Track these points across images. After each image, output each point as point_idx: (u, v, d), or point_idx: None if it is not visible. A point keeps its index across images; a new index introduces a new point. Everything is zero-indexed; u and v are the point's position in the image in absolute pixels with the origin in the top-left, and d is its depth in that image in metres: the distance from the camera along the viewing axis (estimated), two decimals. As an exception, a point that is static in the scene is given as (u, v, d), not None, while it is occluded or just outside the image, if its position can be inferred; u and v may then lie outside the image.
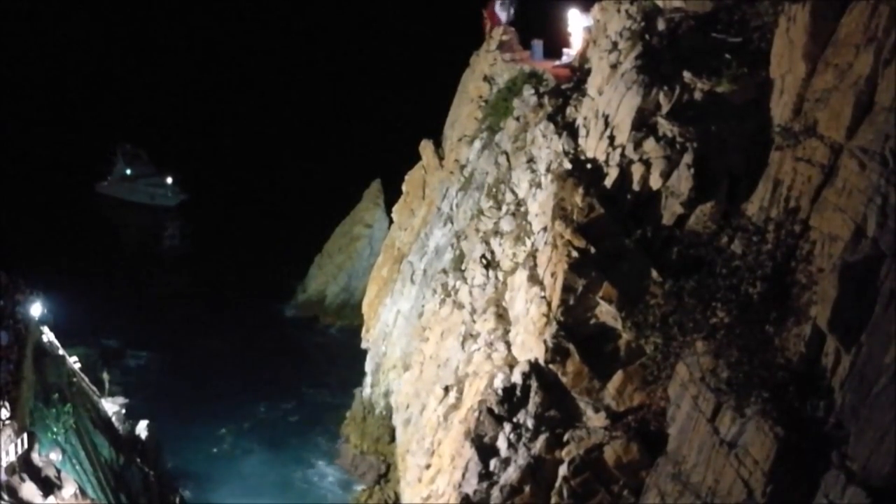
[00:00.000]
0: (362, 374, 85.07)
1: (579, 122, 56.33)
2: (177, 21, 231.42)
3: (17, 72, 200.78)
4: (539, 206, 55.84)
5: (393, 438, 73.95)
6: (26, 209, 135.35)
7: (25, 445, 50.01)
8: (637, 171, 48.09)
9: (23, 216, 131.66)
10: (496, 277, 58.78)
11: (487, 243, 61.32)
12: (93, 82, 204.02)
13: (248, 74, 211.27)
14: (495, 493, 44.40)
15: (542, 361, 46.90)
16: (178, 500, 68.48)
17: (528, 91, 66.58)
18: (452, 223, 71.96)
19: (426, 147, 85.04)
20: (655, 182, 47.13)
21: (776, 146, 37.28)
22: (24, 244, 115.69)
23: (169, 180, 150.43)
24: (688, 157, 46.22)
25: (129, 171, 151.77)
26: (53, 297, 68.60)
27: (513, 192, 61.52)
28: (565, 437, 43.86)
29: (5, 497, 46.25)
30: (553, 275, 48.18)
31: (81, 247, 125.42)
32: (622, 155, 49.27)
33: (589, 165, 51.62)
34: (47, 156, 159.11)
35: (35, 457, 51.10)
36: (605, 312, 45.66)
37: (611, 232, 47.27)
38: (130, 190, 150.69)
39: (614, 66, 53.92)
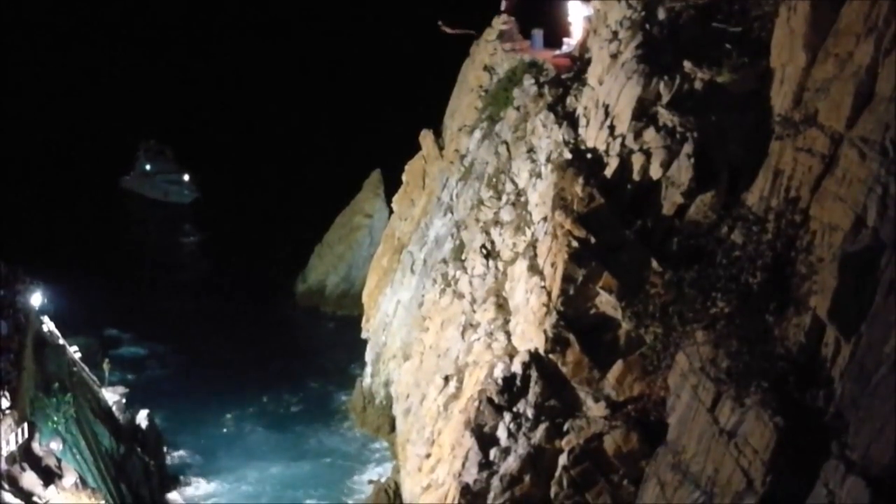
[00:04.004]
0: (362, 363, 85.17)
1: (579, 111, 56.29)
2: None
3: (66, 67, 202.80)
4: (539, 196, 55.85)
5: (393, 428, 74.04)
6: (48, 201, 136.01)
7: (26, 435, 50.24)
8: (637, 161, 48.08)
9: (43, 207, 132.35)
10: (496, 267, 58.80)
11: (487, 233, 61.33)
12: (131, 80, 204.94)
13: (249, 65, 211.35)
14: (495, 482, 44.47)
15: (542, 351, 46.95)
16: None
17: (528, 81, 66.50)
18: (452, 213, 71.96)
19: (426, 137, 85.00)
20: (656, 172, 47.12)
21: (776, 136, 37.23)
22: (36, 235, 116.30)
23: (186, 178, 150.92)
24: (688, 148, 46.19)
25: (148, 167, 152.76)
26: (56, 287, 68.80)
27: (513, 181, 61.51)
28: (565, 427, 43.90)
29: (6, 486, 46.39)
30: (553, 265, 48.20)
31: (92, 239, 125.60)
32: (622, 145, 49.26)
33: (589, 155, 51.60)
34: (80, 150, 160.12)
35: (35, 446, 51.31)
36: (605, 302, 45.68)
37: (611, 222, 47.27)
38: (149, 186, 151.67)
39: (614, 56, 53.86)
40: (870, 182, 28.85)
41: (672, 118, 47.62)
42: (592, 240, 46.77)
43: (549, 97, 61.05)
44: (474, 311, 58.70)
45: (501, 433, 46.78)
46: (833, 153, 32.13)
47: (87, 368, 67.62)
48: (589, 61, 58.52)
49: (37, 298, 62.04)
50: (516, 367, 48.59)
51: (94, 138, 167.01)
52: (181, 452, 77.03)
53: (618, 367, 43.55)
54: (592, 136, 52.67)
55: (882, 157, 28.64)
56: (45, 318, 63.75)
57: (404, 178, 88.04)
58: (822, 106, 33.89)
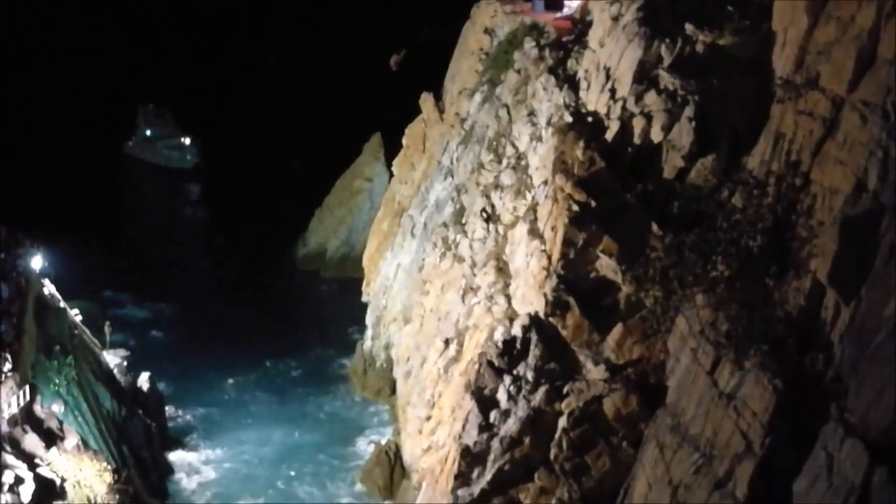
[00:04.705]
0: (363, 327, 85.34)
1: (580, 75, 56.17)
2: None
3: (73, 30, 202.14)
4: (540, 159, 55.78)
5: (394, 391, 74.33)
6: (53, 167, 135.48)
7: (27, 398, 50.43)
8: (638, 124, 48.06)
9: (47, 173, 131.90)
10: (496, 231, 58.82)
11: (488, 197, 61.30)
12: (133, 43, 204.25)
13: (247, 28, 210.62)
14: (495, 444, 44.71)
15: (542, 314, 47.09)
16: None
17: (528, 43, 66.19)
18: (453, 177, 71.87)
19: (426, 100, 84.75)
20: (656, 135, 47.13)
21: (777, 99, 37.13)
22: (39, 200, 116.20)
23: (186, 141, 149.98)
24: (689, 111, 46.19)
25: (149, 133, 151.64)
26: (57, 250, 68.75)
27: (513, 145, 61.40)
28: (565, 390, 44.09)
29: (8, 448, 46.62)
30: (553, 228, 48.25)
31: (95, 203, 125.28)
32: (623, 108, 49.23)
33: (590, 119, 51.54)
34: (87, 116, 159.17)
35: (37, 409, 51.52)
36: (606, 266, 45.77)
37: (611, 186, 47.30)
38: (150, 152, 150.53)
39: (616, 19, 53.68)
40: (871, 146, 28.82)
41: (673, 81, 47.56)
42: (593, 203, 46.81)
43: (549, 60, 60.86)
44: (474, 275, 58.79)
45: (501, 396, 46.99)
46: (834, 117, 32.07)
47: (88, 331, 67.73)
48: (590, 24, 58.33)
49: (38, 262, 62.04)
50: (516, 331, 48.77)
51: (99, 103, 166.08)
52: (182, 415, 77.21)
53: (618, 330, 43.73)
54: (593, 99, 52.58)
55: (883, 120, 28.60)
56: (46, 282, 63.76)
57: (405, 141, 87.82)
58: (824, 69, 33.79)
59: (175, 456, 70.48)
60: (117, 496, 51.38)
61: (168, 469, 68.34)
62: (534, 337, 46.84)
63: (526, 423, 44.06)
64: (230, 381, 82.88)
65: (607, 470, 40.68)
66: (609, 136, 49.36)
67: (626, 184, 47.12)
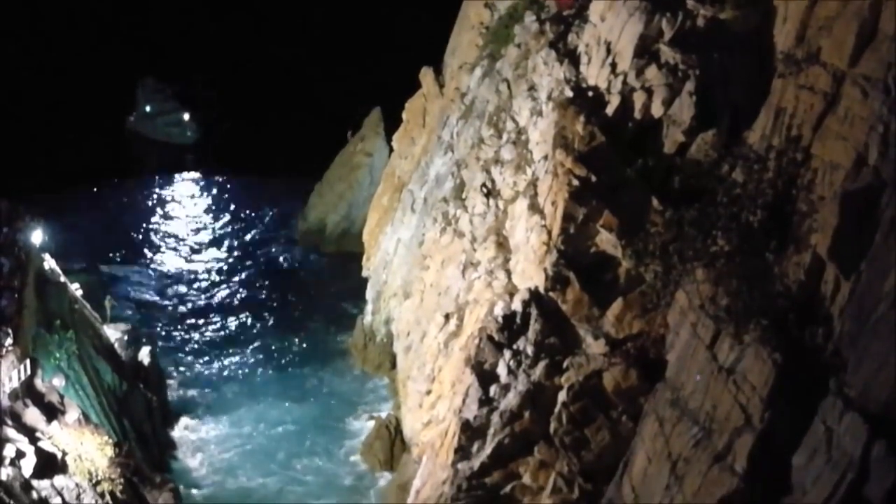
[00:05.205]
0: (363, 302, 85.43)
1: (581, 49, 55.97)
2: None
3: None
4: (540, 134, 55.69)
5: (394, 365, 74.47)
6: (55, 142, 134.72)
7: (28, 372, 50.58)
8: (639, 99, 47.98)
9: (50, 148, 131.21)
10: (497, 206, 58.79)
11: (488, 172, 61.22)
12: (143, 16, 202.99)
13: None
14: (495, 418, 44.84)
15: (542, 289, 47.15)
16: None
17: (529, 18, 65.88)
18: (453, 152, 71.73)
19: (426, 75, 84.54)
20: (657, 110, 47.06)
21: (778, 74, 37.04)
22: (40, 174, 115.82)
23: (186, 116, 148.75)
24: (690, 85, 46.11)
25: (149, 109, 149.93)
26: (58, 224, 68.74)
27: (514, 120, 61.28)
28: (565, 364, 44.19)
29: (9, 422, 46.80)
30: (553, 203, 48.23)
31: (97, 178, 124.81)
32: (624, 83, 49.14)
33: (590, 93, 51.44)
34: (91, 89, 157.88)
35: (38, 383, 51.66)
36: (606, 241, 45.78)
37: (612, 160, 47.25)
38: (151, 127, 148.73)
39: (617, -7, 53.51)
40: (871, 120, 28.81)
41: (674, 56, 47.46)
42: (593, 178, 46.78)
43: (550, 34, 60.63)
44: (475, 250, 58.80)
45: (501, 370, 47.08)
46: (835, 91, 32.02)
47: (88, 306, 67.79)
48: (591, -2, 58.12)
49: (38, 236, 62.01)
50: (516, 305, 48.82)
51: (104, 78, 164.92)
52: (183, 390, 77.36)
53: (617, 304, 43.77)
54: (594, 73, 52.45)
55: (884, 95, 28.57)
56: (47, 256, 63.75)
57: (404, 116, 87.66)
58: (825, 43, 33.70)
59: (176, 430, 70.73)
60: (118, 470, 51.56)
61: (169, 443, 68.58)
62: (534, 311, 46.92)
63: (526, 397, 44.19)
64: (230, 356, 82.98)
65: (607, 444, 40.85)
66: (609, 110, 49.28)
67: (627, 158, 47.08)
